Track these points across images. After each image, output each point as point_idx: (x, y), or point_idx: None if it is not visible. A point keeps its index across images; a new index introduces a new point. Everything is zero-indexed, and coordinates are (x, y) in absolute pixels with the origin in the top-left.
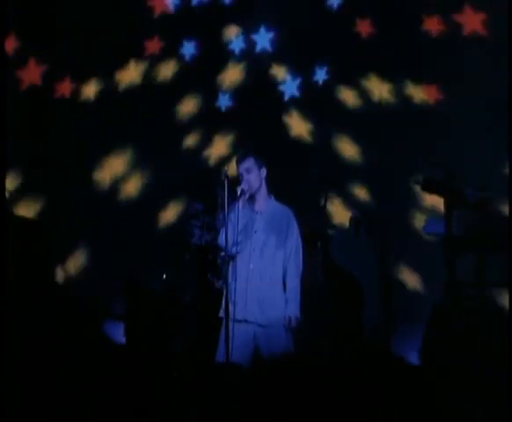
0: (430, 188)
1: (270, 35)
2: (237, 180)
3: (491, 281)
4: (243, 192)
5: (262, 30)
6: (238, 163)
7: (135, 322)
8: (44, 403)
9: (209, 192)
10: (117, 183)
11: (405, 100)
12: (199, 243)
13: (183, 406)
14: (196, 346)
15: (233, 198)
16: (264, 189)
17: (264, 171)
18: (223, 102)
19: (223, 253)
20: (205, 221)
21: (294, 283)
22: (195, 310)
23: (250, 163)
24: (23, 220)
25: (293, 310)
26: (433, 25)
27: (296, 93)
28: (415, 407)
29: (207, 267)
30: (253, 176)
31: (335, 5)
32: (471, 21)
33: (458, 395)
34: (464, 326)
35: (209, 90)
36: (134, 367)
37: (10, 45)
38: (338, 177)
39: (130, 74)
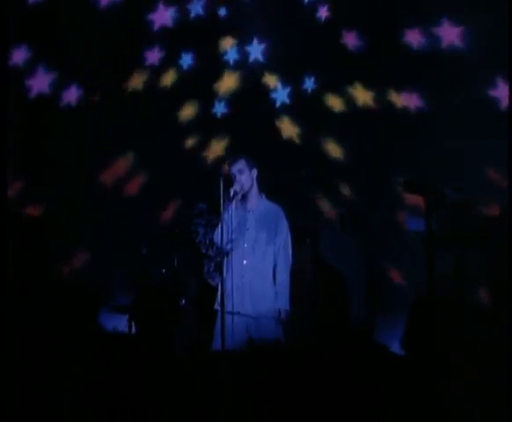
0: (412, 189)
1: (262, 46)
2: (230, 181)
3: (468, 275)
4: (235, 193)
5: (255, 41)
6: (231, 165)
7: (140, 312)
8: (47, 393)
9: (211, 192)
10: (120, 183)
11: (387, 107)
12: (203, 241)
13: (181, 394)
14: (195, 336)
15: (228, 198)
16: (255, 188)
17: (255, 172)
18: (219, 108)
19: (218, 250)
20: (208, 220)
21: (283, 277)
22: (195, 302)
23: (241, 164)
24: (29, 218)
25: (283, 303)
26: (414, 38)
27: (287, 100)
28: (397, 392)
29: (206, 262)
30: (245, 176)
31: (322, 19)
32: (449, 34)
33: (438, 381)
34: (442, 317)
35: (206, 98)
36: (138, 355)
37: (21, 55)
38: (326, 176)
39: (133, 82)
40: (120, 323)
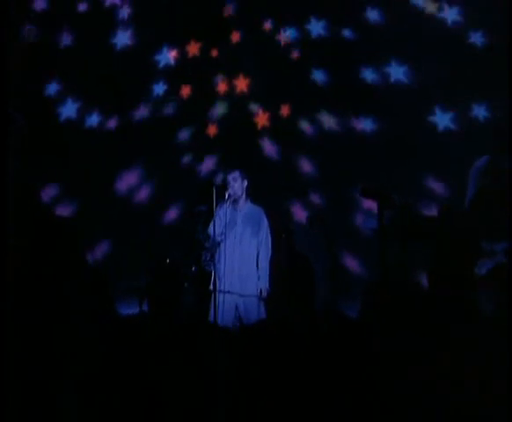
0: (367, 194)
1: (247, 80)
2: (224, 187)
3: (412, 263)
4: (229, 195)
5: (241, 76)
6: (228, 173)
7: (153, 293)
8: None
9: (209, 197)
10: (132, 191)
11: (348, 130)
12: (201, 236)
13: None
14: (195, 311)
15: (221, 200)
16: (244, 195)
17: (245, 182)
18: (212, 130)
19: (213, 242)
20: (206, 219)
21: (264, 263)
22: (195, 285)
23: (236, 174)
24: (61, 218)
25: (264, 283)
26: (368, 75)
27: (267, 124)
28: (354, 351)
29: (203, 253)
30: (237, 184)
31: (295, 59)
32: (396, 72)
33: (386, 343)
34: (390, 297)
35: (201, 122)
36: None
37: (54, 88)
38: (299, 186)
39: (142, 110)
40: (133, 303)
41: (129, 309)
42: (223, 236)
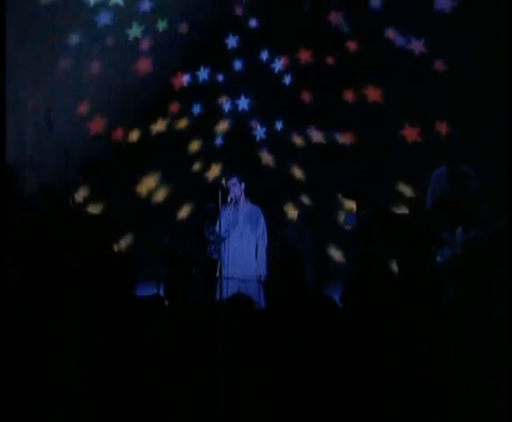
0: (348, 196)
1: (247, 101)
2: (227, 191)
3: (386, 254)
4: (231, 199)
5: (242, 97)
6: (227, 180)
7: (167, 279)
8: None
9: (216, 198)
10: (151, 193)
11: (332, 142)
12: (208, 230)
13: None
14: (202, 294)
15: (225, 202)
16: (243, 196)
17: (243, 185)
18: (218, 142)
19: (217, 236)
20: (213, 216)
21: (262, 254)
22: (202, 272)
23: (234, 180)
24: (91, 215)
25: (262, 271)
26: (349, 96)
27: (264, 137)
28: (336, 330)
29: (209, 245)
30: (237, 188)
31: (287, 83)
32: (373, 93)
33: (366, 325)
34: (368, 284)
35: (209, 135)
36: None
37: (84, 107)
38: (291, 188)
39: (159, 125)
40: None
41: (146, 292)
42: (227, 234)
